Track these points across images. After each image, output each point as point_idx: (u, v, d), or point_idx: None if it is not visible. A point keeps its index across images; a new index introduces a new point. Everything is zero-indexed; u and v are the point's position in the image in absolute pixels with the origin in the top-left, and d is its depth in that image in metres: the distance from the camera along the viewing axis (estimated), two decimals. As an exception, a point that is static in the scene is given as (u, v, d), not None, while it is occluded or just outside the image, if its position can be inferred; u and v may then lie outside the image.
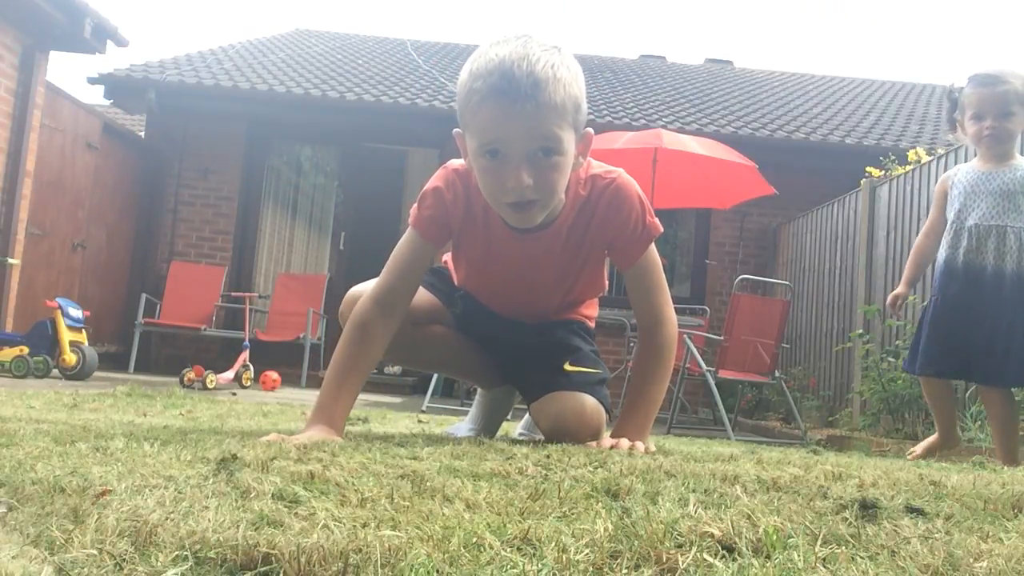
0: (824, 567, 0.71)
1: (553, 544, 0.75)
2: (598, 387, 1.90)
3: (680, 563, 0.71)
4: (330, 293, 8.32)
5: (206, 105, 8.58)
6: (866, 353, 5.50)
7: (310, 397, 5.65)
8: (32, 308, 6.44)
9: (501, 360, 2.05)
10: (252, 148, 8.92)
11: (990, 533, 0.88)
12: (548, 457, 1.33)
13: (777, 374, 5.68)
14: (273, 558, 0.68)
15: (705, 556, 0.73)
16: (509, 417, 2.36)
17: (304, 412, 3.38)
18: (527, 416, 2.24)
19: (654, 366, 1.83)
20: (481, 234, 1.80)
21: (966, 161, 4.81)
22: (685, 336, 5.67)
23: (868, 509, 0.94)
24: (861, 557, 0.76)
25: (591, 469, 1.21)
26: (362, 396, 6.69)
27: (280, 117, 8.76)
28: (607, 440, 1.70)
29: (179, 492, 0.90)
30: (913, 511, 0.96)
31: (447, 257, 2.07)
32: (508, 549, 0.73)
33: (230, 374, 6.51)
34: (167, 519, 0.77)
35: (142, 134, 9.27)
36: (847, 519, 0.90)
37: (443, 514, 0.86)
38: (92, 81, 8.45)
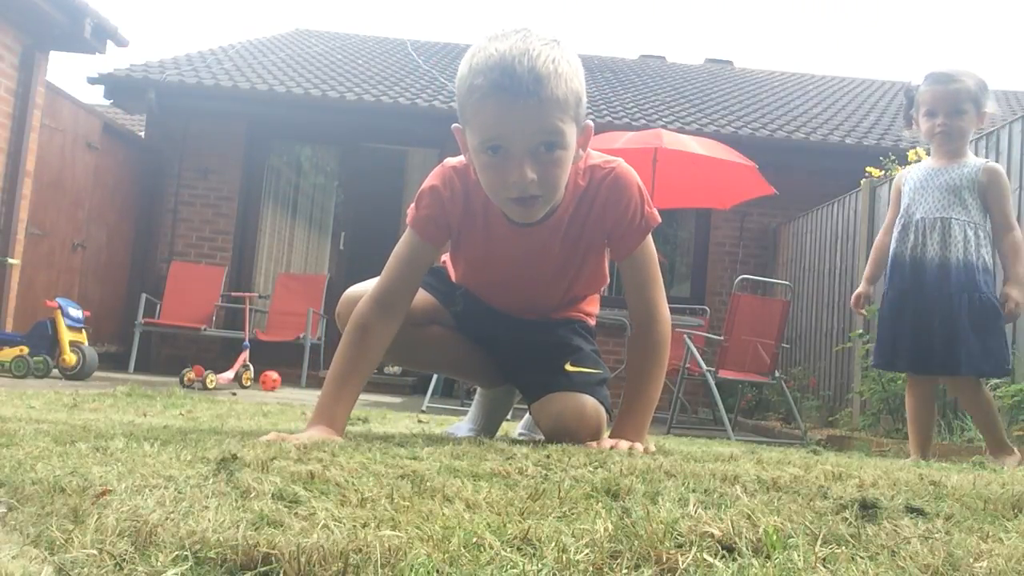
0: (824, 567, 0.71)
1: (553, 544, 0.75)
2: (599, 387, 1.90)
3: (680, 563, 0.71)
4: (330, 293, 8.32)
5: (206, 105, 8.58)
6: (866, 353, 5.49)
7: (310, 397, 5.65)
8: (32, 308, 6.44)
9: (501, 360, 2.05)
10: (252, 148, 8.92)
11: (990, 533, 0.88)
12: (548, 457, 1.33)
13: (777, 374, 5.68)
14: (273, 558, 0.68)
15: (705, 556, 0.73)
16: (509, 417, 2.36)
17: (304, 412, 3.38)
18: (527, 416, 2.24)
19: (650, 364, 1.82)
20: (480, 230, 1.80)
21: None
22: (685, 336, 5.67)
23: (868, 509, 0.94)
24: (861, 557, 0.76)
25: (591, 469, 1.21)
26: (362, 396, 6.67)
27: (280, 117, 8.76)
28: (606, 441, 1.70)
29: (179, 492, 0.90)
30: (913, 511, 0.96)
31: (445, 257, 2.07)
32: (508, 549, 0.73)
33: (230, 374, 6.51)
34: (167, 519, 0.77)
35: (142, 134, 9.27)
36: (847, 519, 0.90)
37: (443, 514, 0.86)
38: (92, 81, 8.46)
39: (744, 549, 0.76)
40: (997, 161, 4.43)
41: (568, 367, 1.89)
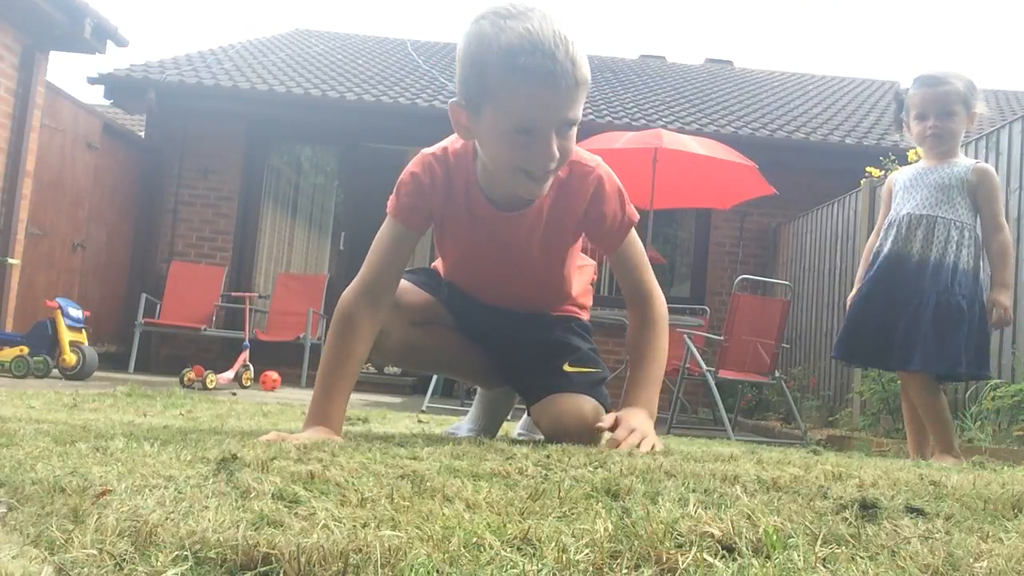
0: (824, 567, 0.71)
1: (553, 544, 0.75)
2: (597, 387, 1.91)
3: (680, 563, 0.71)
4: (330, 293, 8.32)
5: (206, 105, 8.58)
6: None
7: (310, 397, 5.63)
8: (32, 308, 6.44)
9: (499, 360, 2.05)
10: (252, 148, 8.92)
11: (990, 533, 0.88)
12: (548, 457, 1.33)
13: (777, 374, 5.68)
14: (273, 558, 0.68)
15: (705, 556, 0.73)
16: (509, 417, 2.36)
17: (304, 412, 3.38)
18: (525, 416, 2.24)
19: (652, 339, 1.85)
20: (464, 216, 1.81)
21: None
22: (685, 336, 5.67)
23: (868, 509, 0.94)
24: (861, 557, 0.76)
25: (591, 469, 1.21)
26: (362, 396, 6.70)
27: (280, 117, 8.76)
28: (607, 418, 1.72)
29: (179, 492, 0.90)
30: (913, 511, 0.96)
31: (437, 263, 2.08)
32: (508, 549, 0.73)
33: (230, 374, 6.51)
34: (167, 519, 0.77)
35: (142, 134, 9.27)
36: (847, 519, 0.90)
37: (443, 514, 0.86)
38: (92, 81, 8.45)
39: (744, 549, 0.76)
40: (996, 161, 4.43)
41: (566, 367, 1.90)
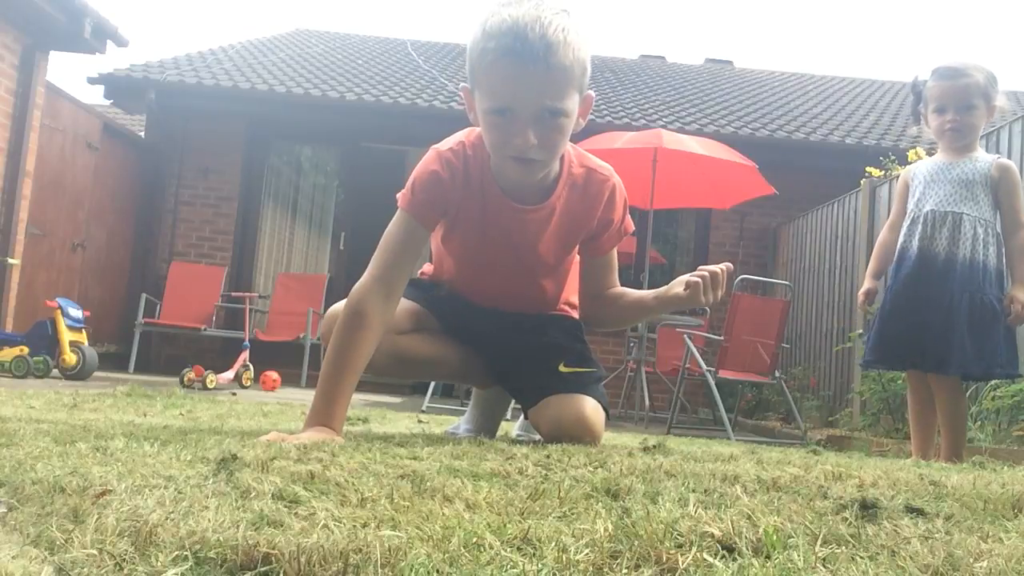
0: (824, 567, 0.71)
1: (553, 544, 0.75)
2: (595, 386, 1.90)
3: (680, 563, 0.71)
4: (330, 293, 8.32)
5: (206, 105, 8.58)
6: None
7: (310, 397, 5.63)
8: (32, 308, 6.44)
9: (493, 363, 2.03)
10: (252, 148, 8.92)
11: (990, 533, 0.88)
12: (548, 457, 1.33)
13: (777, 374, 5.68)
14: (273, 558, 0.68)
15: (705, 556, 0.73)
16: (508, 417, 2.36)
17: (304, 412, 3.38)
18: (522, 418, 2.23)
19: (624, 291, 1.95)
20: (477, 208, 1.81)
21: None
22: (685, 336, 5.68)
23: (868, 509, 0.94)
24: (861, 557, 0.76)
25: (591, 469, 1.21)
26: (362, 396, 6.70)
27: (280, 117, 8.75)
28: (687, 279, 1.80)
29: (179, 492, 0.90)
30: (913, 511, 0.96)
31: (426, 267, 2.08)
32: (508, 549, 0.73)
33: (230, 374, 6.51)
34: (167, 519, 0.77)
35: (142, 134, 9.27)
36: (847, 519, 0.90)
37: (443, 514, 0.86)
38: (92, 81, 8.45)
39: (744, 549, 0.76)
40: (997, 161, 4.43)
41: (562, 368, 1.90)
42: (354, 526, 0.79)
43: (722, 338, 5.55)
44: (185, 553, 0.69)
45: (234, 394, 5.41)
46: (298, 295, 8.31)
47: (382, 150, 9.30)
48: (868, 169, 6.53)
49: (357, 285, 1.74)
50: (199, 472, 1.06)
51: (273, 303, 8.42)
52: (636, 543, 0.75)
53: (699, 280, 1.70)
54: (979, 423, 4.07)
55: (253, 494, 0.92)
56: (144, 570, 0.66)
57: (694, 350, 5.54)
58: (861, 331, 5.82)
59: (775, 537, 0.78)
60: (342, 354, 1.67)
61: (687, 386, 6.51)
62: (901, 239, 2.81)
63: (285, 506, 0.87)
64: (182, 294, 8.17)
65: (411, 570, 0.67)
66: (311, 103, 8.59)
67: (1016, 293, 2.64)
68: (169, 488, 0.92)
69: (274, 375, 6.58)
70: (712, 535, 0.78)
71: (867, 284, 3.00)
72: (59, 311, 5.69)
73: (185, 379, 5.98)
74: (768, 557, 0.74)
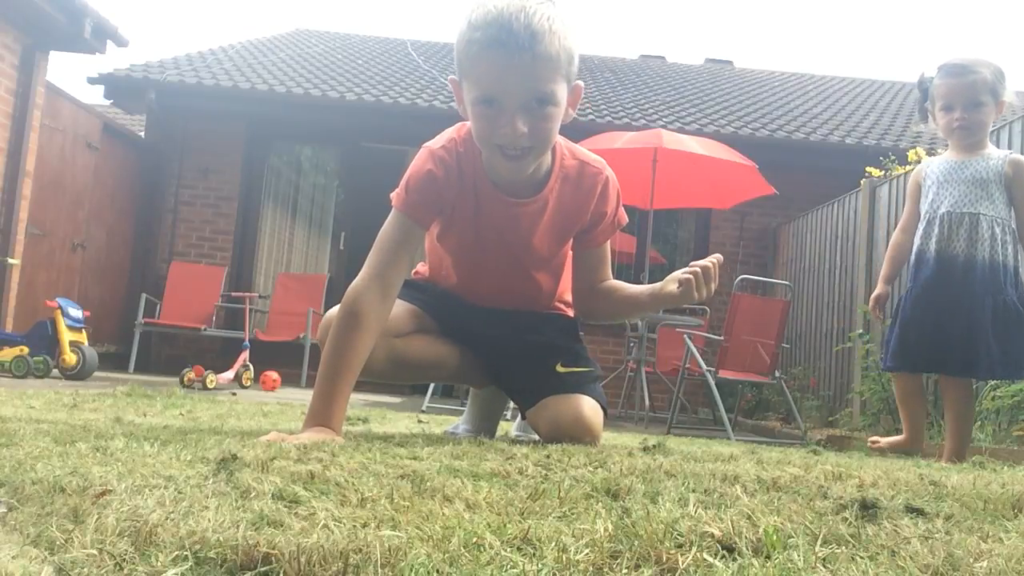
0: (824, 567, 0.71)
1: (553, 544, 0.75)
2: (593, 385, 1.90)
3: (680, 563, 0.71)
4: (330, 293, 8.32)
5: (206, 105, 8.58)
6: (866, 353, 5.49)
7: (310, 397, 5.62)
8: (32, 308, 6.44)
9: (490, 363, 2.02)
10: (252, 148, 8.92)
11: (990, 533, 0.88)
12: (548, 457, 1.33)
13: (777, 374, 5.68)
14: (273, 558, 0.68)
15: (705, 556, 0.73)
16: (507, 417, 2.36)
17: (304, 412, 3.37)
18: (520, 418, 2.23)
19: (620, 285, 1.94)
20: (471, 203, 1.82)
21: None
22: (685, 336, 5.67)
23: (868, 509, 0.94)
24: (861, 557, 0.76)
25: (591, 469, 1.21)
26: (362, 396, 6.70)
27: (280, 117, 8.75)
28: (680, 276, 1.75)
29: (179, 492, 0.90)
30: (913, 511, 0.96)
31: (419, 267, 2.07)
32: (508, 549, 0.73)
33: (230, 374, 6.51)
34: (167, 519, 0.77)
35: (142, 134, 9.27)
36: (847, 519, 0.90)
37: (443, 514, 0.86)
38: (92, 81, 8.45)
39: (744, 549, 0.76)
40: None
41: (559, 368, 1.89)
42: (354, 526, 0.79)
43: (722, 338, 5.55)
44: (185, 553, 0.69)
45: (234, 394, 5.41)
46: (298, 295, 8.31)
47: (382, 150, 9.30)
48: (868, 169, 6.53)
49: (352, 285, 1.73)
50: (199, 472, 1.06)
51: (273, 303, 8.42)
52: (636, 543, 0.75)
53: (691, 277, 1.69)
54: (979, 423, 4.07)
55: (253, 494, 0.92)
56: (144, 570, 0.66)
57: (694, 350, 5.54)
58: (861, 331, 5.82)
59: (775, 537, 0.78)
60: (339, 354, 1.67)
61: (687, 386, 6.51)
62: (917, 242, 2.76)
63: (285, 506, 0.87)
64: (182, 294, 8.17)
65: (411, 570, 0.67)
66: (311, 103, 8.59)
67: None
68: (169, 488, 0.92)
69: (274, 375, 6.58)
70: (712, 535, 0.78)
71: (879, 288, 2.95)
72: (59, 311, 5.69)
73: (185, 379, 5.98)
74: (768, 557, 0.74)
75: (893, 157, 6.47)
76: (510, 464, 1.22)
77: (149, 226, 8.67)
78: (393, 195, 1.80)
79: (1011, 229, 2.67)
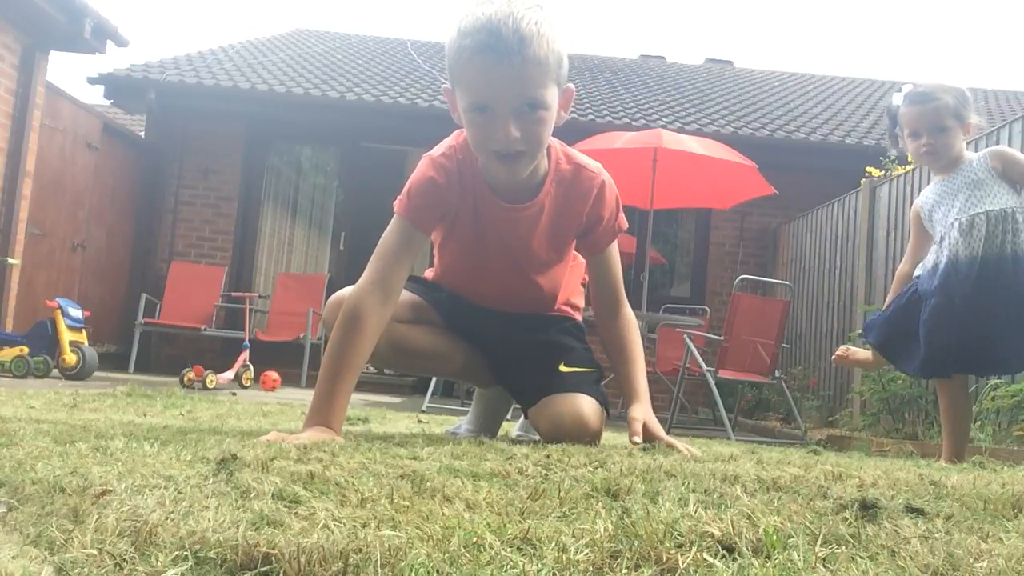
0: (824, 567, 0.71)
1: (553, 544, 0.75)
2: (595, 386, 1.91)
3: (680, 563, 0.71)
4: (330, 293, 8.25)
5: (206, 105, 8.58)
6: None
7: (310, 397, 5.62)
8: (32, 308, 6.44)
9: (494, 362, 2.04)
10: (252, 148, 8.92)
11: (990, 533, 0.88)
12: (548, 457, 1.33)
13: (777, 374, 5.68)
14: (273, 558, 0.68)
15: (705, 556, 0.73)
16: (508, 416, 2.36)
17: (304, 412, 3.37)
18: (523, 418, 2.23)
19: (633, 341, 1.93)
20: (470, 209, 1.83)
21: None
22: (685, 336, 5.67)
23: (868, 509, 0.94)
24: (861, 557, 0.76)
25: (591, 469, 1.21)
26: (362, 396, 6.70)
27: (280, 117, 8.75)
28: (636, 434, 1.74)
29: (179, 492, 0.90)
30: (913, 511, 0.96)
31: (426, 273, 2.08)
32: (508, 549, 0.73)
33: (230, 374, 6.51)
34: (167, 519, 0.77)
35: (142, 134, 9.27)
36: (847, 519, 0.90)
37: (443, 514, 0.86)
38: (92, 81, 8.45)
39: (744, 549, 0.76)
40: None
41: (562, 368, 1.90)
42: (354, 526, 0.79)
43: (722, 338, 5.55)
44: (185, 553, 0.69)
45: (234, 394, 5.41)
46: (298, 295, 8.31)
47: (382, 150, 9.31)
48: (868, 169, 6.54)
49: (354, 288, 1.75)
50: (199, 472, 1.06)
51: (273, 303, 8.43)
52: (636, 543, 0.75)
53: (637, 443, 1.72)
54: (979, 423, 4.07)
55: (253, 494, 0.92)
56: (144, 570, 0.66)
57: (694, 350, 5.54)
58: (861, 331, 5.82)
59: (775, 537, 0.78)
60: (339, 355, 1.68)
61: (687, 386, 6.51)
62: (932, 257, 2.76)
63: (285, 506, 0.87)
64: (182, 294, 8.17)
65: (411, 570, 0.67)
66: (311, 103, 8.59)
67: None
68: (169, 488, 0.92)
69: (274, 375, 6.58)
70: (712, 535, 0.78)
71: (888, 305, 2.94)
72: (59, 311, 5.69)
73: (185, 379, 5.98)
74: (768, 557, 0.74)
75: (893, 157, 6.47)
76: (510, 464, 1.22)
77: (149, 226, 8.67)
78: (395, 202, 1.81)
79: (1020, 218, 2.66)
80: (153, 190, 8.67)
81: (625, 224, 1.94)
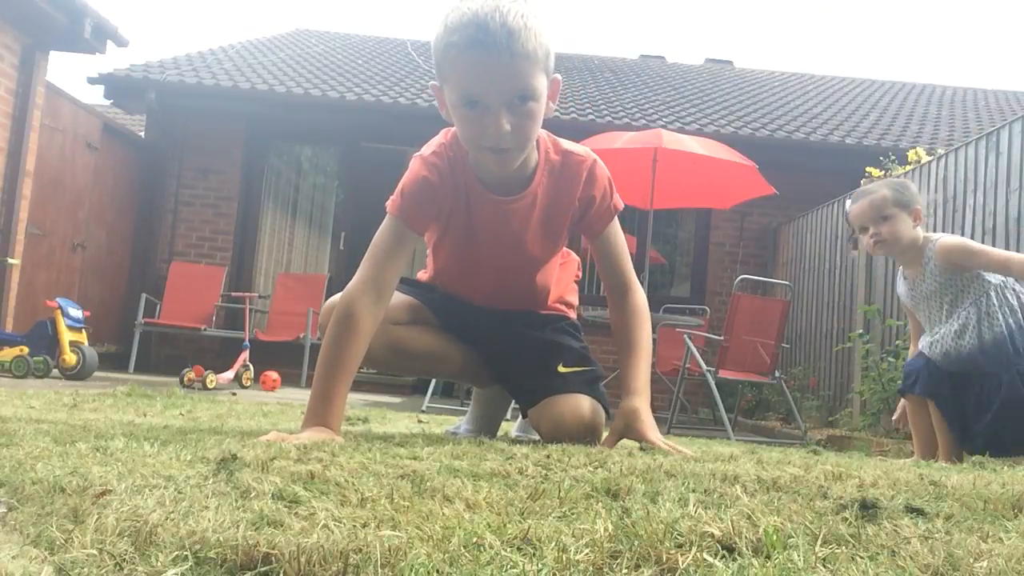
0: (824, 567, 0.71)
1: (553, 544, 0.75)
2: (594, 385, 1.91)
3: (680, 563, 0.71)
4: (330, 293, 8.25)
5: (206, 105, 8.58)
6: (866, 353, 5.49)
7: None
8: (32, 308, 6.44)
9: (491, 362, 2.04)
10: (252, 148, 8.92)
11: (990, 533, 0.88)
12: (548, 457, 1.33)
13: (777, 374, 5.68)
14: (273, 558, 0.68)
15: (705, 556, 0.73)
16: (508, 416, 2.36)
17: (304, 412, 3.37)
18: (521, 418, 2.23)
19: (642, 327, 1.88)
20: (463, 206, 1.83)
21: (964, 162, 4.81)
22: (685, 336, 5.67)
23: (868, 509, 0.94)
24: (861, 557, 0.76)
25: (591, 469, 1.21)
26: (362, 396, 6.70)
27: (280, 117, 8.75)
28: (655, 436, 1.72)
29: (179, 492, 0.90)
30: (913, 511, 0.96)
31: (420, 274, 2.08)
32: (508, 549, 0.73)
33: (230, 374, 6.51)
34: (167, 519, 0.77)
35: (142, 134, 9.27)
36: (847, 519, 0.90)
37: (443, 514, 0.86)
38: (92, 81, 8.45)
39: (744, 549, 0.76)
40: (996, 161, 4.43)
41: (560, 368, 1.90)
42: (354, 526, 0.79)
43: (722, 338, 5.55)
44: (185, 553, 0.69)
45: (234, 394, 5.41)
46: (298, 295, 8.31)
47: (382, 150, 9.30)
48: (868, 169, 6.53)
49: (347, 288, 1.75)
50: (199, 472, 1.06)
51: (273, 303, 8.43)
52: (636, 543, 0.75)
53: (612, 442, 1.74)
54: (979, 423, 4.06)
55: (253, 494, 0.92)
56: (144, 570, 0.66)
57: (694, 350, 5.54)
58: (861, 331, 5.82)
59: (775, 537, 0.78)
60: (335, 355, 1.68)
61: (687, 386, 6.51)
62: (925, 348, 2.82)
63: (285, 506, 0.87)
64: (182, 294, 8.17)
65: (411, 570, 0.67)
66: (311, 103, 8.59)
67: None
68: (169, 488, 0.92)
69: (274, 375, 6.58)
70: (712, 535, 0.78)
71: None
72: (59, 311, 5.69)
73: (185, 379, 5.98)
74: (768, 557, 0.74)
75: (893, 157, 6.47)
76: (510, 464, 1.22)
77: (149, 226, 8.67)
78: (388, 202, 1.81)
79: (988, 290, 2.69)
80: (153, 190, 8.67)
81: (620, 205, 1.91)
